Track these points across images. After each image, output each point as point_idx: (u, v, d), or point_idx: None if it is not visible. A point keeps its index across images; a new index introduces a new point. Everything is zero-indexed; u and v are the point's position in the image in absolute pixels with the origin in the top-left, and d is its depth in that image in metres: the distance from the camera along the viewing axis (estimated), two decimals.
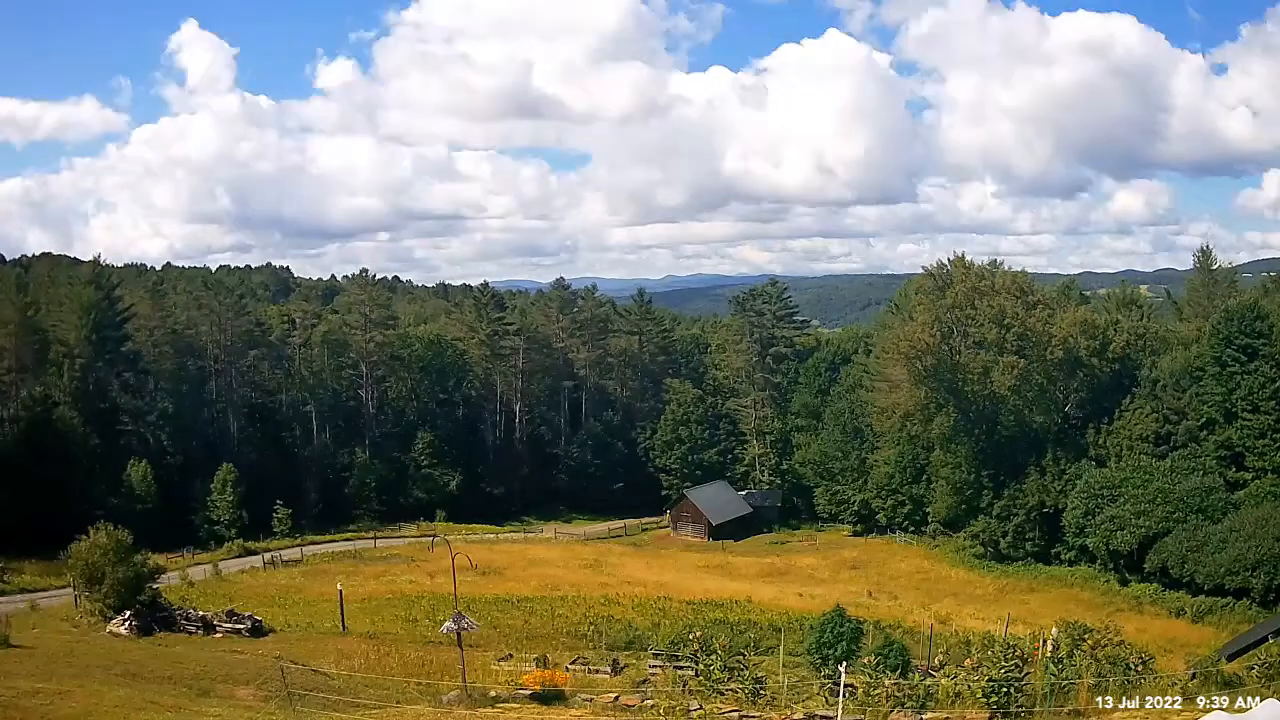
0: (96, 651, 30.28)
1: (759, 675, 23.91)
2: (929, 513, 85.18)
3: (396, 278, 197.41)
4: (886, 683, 20.94)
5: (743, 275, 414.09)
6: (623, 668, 33.66)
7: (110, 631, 34.43)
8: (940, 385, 78.86)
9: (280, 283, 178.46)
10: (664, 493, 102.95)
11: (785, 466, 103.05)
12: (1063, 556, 73.24)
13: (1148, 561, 64.16)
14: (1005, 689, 19.13)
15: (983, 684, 19.39)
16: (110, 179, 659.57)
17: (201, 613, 38.20)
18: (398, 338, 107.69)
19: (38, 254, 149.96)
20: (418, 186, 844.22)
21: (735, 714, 21.24)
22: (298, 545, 72.26)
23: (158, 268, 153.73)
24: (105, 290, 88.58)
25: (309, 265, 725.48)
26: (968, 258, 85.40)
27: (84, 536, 37.26)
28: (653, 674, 30.48)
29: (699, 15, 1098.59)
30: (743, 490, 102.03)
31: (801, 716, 21.36)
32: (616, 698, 23.95)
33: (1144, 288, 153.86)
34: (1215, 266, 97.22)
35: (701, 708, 21.53)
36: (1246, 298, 79.47)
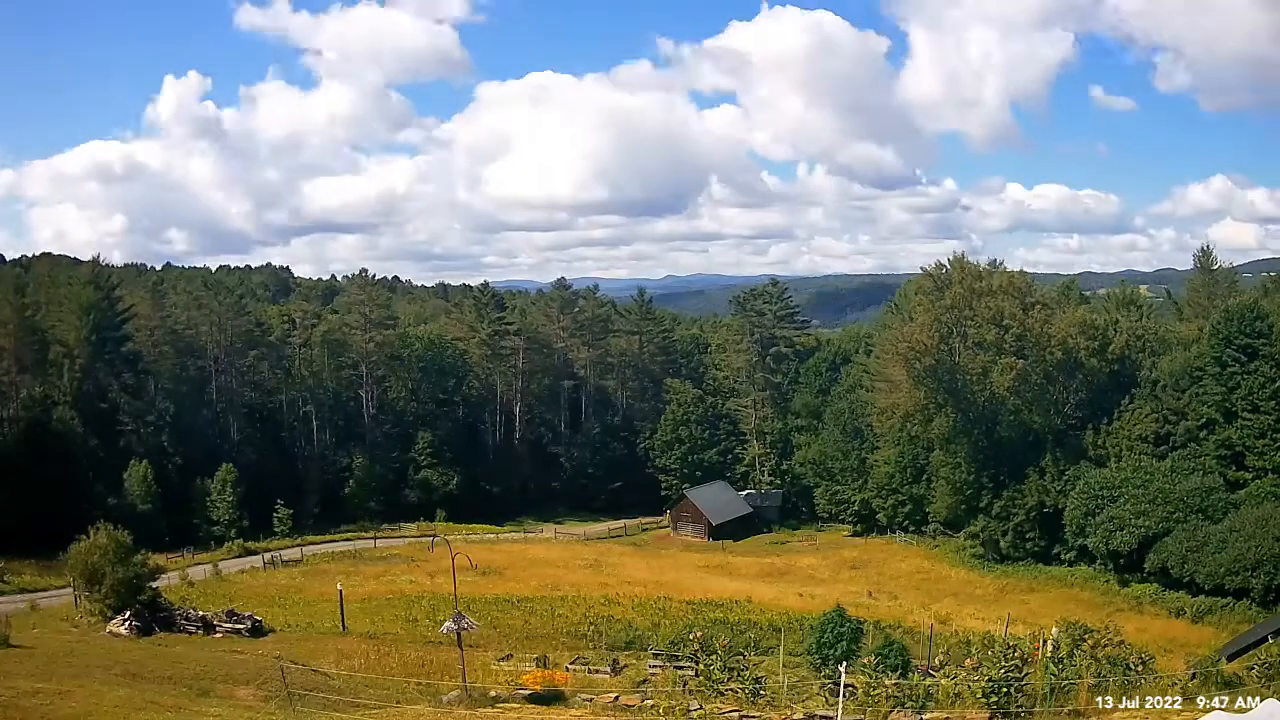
0: (96, 651, 30.30)
1: (759, 675, 23.88)
2: (929, 513, 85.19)
3: (396, 278, 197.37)
4: (886, 683, 20.91)
5: (744, 275, 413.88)
6: (623, 668, 33.68)
7: (110, 631, 34.45)
8: (939, 386, 78.96)
9: (280, 283, 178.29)
10: (664, 493, 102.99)
11: (785, 466, 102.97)
12: (1063, 556, 73.20)
13: (1148, 561, 64.14)
14: (1005, 689, 19.11)
15: (983, 684, 19.37)
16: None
17: (201, 613, 38.22)
18: (398, 338, 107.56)
19: (37, 254, 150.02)
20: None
21: (735, 714, 21.22)
22: (297, 545, 72.19)
23: (158, 268, 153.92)
24: (105, 290, 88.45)
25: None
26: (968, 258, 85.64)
27: (84, 537, 37.37)
28: (653, 674, 30.54)
29: None
30: (743, 490, 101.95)
31: (801, 716, 21.36)
32: (616, 698, 23.96)
33: (1144, 288, 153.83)
34: (1215, 266, 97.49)
35: (701, 708, 21.52)
36: (1246, 298, 79.60)
